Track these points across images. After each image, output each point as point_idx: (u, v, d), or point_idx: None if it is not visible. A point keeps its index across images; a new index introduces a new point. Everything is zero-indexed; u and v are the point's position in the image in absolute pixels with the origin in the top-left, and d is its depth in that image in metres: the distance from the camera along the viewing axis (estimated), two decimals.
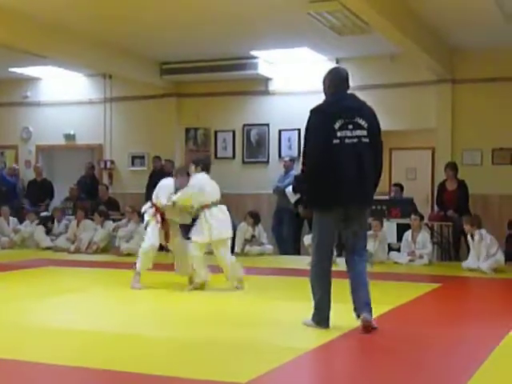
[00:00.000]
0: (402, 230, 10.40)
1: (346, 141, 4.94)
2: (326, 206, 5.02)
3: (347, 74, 5.29)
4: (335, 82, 5.21)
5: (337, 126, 4.95)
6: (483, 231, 9.09)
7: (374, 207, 10.74)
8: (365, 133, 5.00)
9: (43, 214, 12.84)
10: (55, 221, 12.39)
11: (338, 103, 5.11)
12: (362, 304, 4.99)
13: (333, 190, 4.94)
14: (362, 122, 5.02)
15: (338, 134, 4.93)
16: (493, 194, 11.16)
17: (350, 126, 4.96)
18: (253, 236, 11.21)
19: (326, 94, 5.25)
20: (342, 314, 5.58)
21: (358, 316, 5.00)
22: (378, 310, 5.83)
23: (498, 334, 4.88)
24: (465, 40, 10.86)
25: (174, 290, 7.32)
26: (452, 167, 10.73)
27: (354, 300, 5.04)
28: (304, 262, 9.74)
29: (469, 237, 9.23)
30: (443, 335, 5.02)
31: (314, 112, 5.11)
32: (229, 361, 4.17)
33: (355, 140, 4.96)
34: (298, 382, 3.74)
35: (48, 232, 12.23)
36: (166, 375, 3.79)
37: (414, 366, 4.16)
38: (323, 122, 5.00)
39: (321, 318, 5.06)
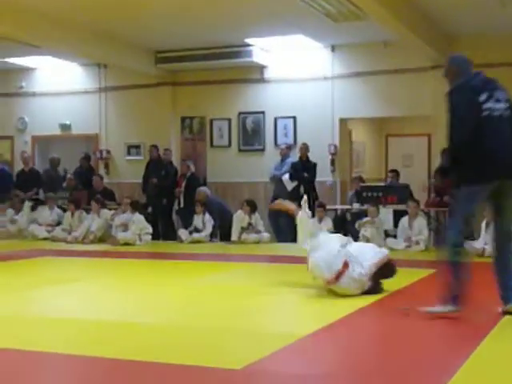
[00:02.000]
0: (398, 216, 10.42)
1: (493, 113, 4.92)
2: (482, 180, 4.91)
3: (466, 58, 5.27)
4: (462, 65, 5.18)
5: (482, 98, 4.91)
6: None
7: (370, 194, 10.82)
8: (505, 106, 4.98)
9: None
10: (47, 209, 12.41)
11: (475, 78, 5.07)
12: None
13: (481, 164, 4.88)
14: (501, 96, 5.00)
15: (485, 105, 4.91)
16: None
17: (493, 99, 4.94)
18: (249, 224, 11.22)
19: (452, 83, 5.17)
20: (337, 300, 5.61)
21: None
22: (373, 296, 5.89)
23: (491, 318, 4.90)
24: (460, 26, 10.85)
25: (173, 278, 7.34)
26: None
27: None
28: (301, 249, 9.77)
29: (484, 223, 9.21)
30: (436, 318, 5.05)
31: (455, 90, 5.04)
32: (224, 347, 4.19)
33: (499, 113, 4.94)
34: (292, 368, 3.75)
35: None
36: (160, 362, 3.80)
37: (408, 350, 4.18)
38: (467, 97, 4.93)
39: (455, 298, 4.98)
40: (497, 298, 5.05)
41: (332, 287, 5.80)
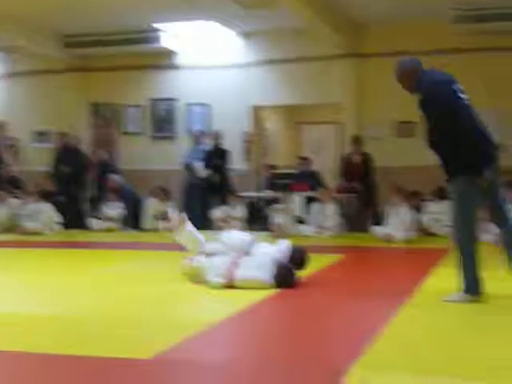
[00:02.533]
0: (309, 202, 10.58)
1: (467, 102, 4.99)
2: (473, 169, 4.91)
3: (417, 60, 5.21)
4: (416, 68, 5.13)
5: (455, 88, 4.97)
6: (408, 205, 9.41)
7: (282, 181, 10.93)
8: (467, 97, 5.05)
9: None
10: None
11: (438, 72, 5.12)
12: None
13: (484, 151, 4.90)
14: (462, 87, 5.07)
15: (460, 95, 4.97)
16: (396, 167, 11.46)
17: (460, 90, 5.01)
18: (161, 211, 11.13)
19: (409, 86, 5.11)
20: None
21: None
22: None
23: (399, 299, 5.05)
24: (369, 14, 11.06)
25: (83, 267, 7.23)
26: (357, 140, 10.98)
27: None
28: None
29: (392, 208, 9.43)
30: (346, 301, 5.18)
31: (429, 86, 4.98)
32: (135, 336, 4.15)
33: (468, 102, 5.01)
34: (202, 355, 3.76)
35: None
36: (68, 354, 3.74)
37: (316, 334, 4.26)
38: (445, 87, 4.95)
39: (477, 289, 5.01)
40: (402, 282, 5.19)
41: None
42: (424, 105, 4.96)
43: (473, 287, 5.02)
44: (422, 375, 3.34)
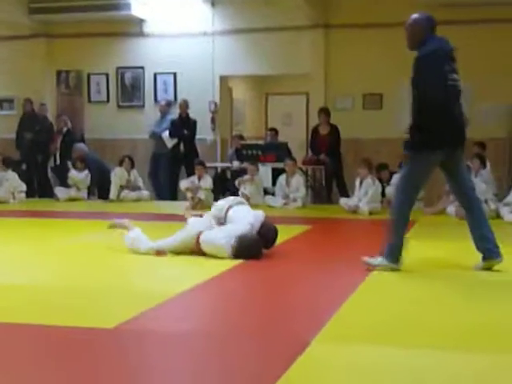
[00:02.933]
0: (276, 174, 10.58)
1: (454, 83, 5.02)
2: (440, 146, 5.02)
3: (432, 17, 5.24)
4: (428, 26, 5.15)
5: (446, 68, 4.98)
6: (373, 177, 9.46)
7: (250, 152, 10.90)
8: (458, 76, 5.08)
9: None
10: None
11: (443, 47, 5.10)
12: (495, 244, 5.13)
13: (442, 131, 4.97)
14: (455, 65, 5.09)
15: (449, 76, 4.99)
16: (363, 138, 11.50)
17: (453, 70, 5.04)
18: (128, 181, 11.08)
19: (413, 41, 5.15)
20: (212, 259, 5.66)
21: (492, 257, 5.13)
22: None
23: (360, 272, 5.08)
24: None
25: (48, 237, 7.16)
26: (324, 112, 10.96)
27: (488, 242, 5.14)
28: (181, 207, 9.78)
29: (358, 180, 9.47)
30: (310, 272, 5.21)
31: (426, 56, 5.01)
32: (98, 307, 4.14)
33: (455, 83, 5.04)
34: (163, 325, 3.76)
35: None
36: (31, 323, 3.72)
37: (280, 305, 4.29)
38: (437, 66, 4.96)
39: (398, 256, 5.11)
40: (367, 254, 5.22)
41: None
42: (415, 69, 5.03)
43: (394, 254, 5.10)
44: (382, 346, 3.38)
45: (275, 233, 6.02)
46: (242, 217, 6.07)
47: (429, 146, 5.01)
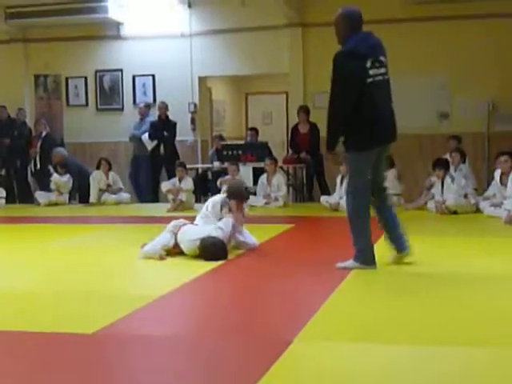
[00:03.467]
0: (257, 173, 10.59)
1: (376, 78, 4.97)
2: (368, 146, 4.99)
3: (359, 12, 5.21)
4: (353, 21, 5.13)
5: (368, 64, 4.94)
6: None
7: (230, 152, 10.90)
8: (384, 70, 5.06)
9: None
10: None
11: (365, 42, 5.05)
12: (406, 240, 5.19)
13: (372, 130, 4.95)
14: (382, 58, 5.06)
15: (370, 72, 4.93)
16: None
17: (377, 64, 4.99)
18: (108, 185, 11.03)
19: (340, 35, 5.15)
20: (192, 261, 5.66)
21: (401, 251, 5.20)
22: (233, 250, 5.97)
23: (343, 271, 5.10)
24: None
25: (29, 243, 7.12)
26: (304, 110, 10.98)
27: (396, 238, 5.19)
28: (163, 209, 9.77)
29: (339, 178, 9.47)
30: (292, 271, 5.20)
31: (344, 54, 4.99)
32: (78, 312, 4.12)
33: (381, 78, 5.00)
34: (143, 330, 3.75)
35: None
36: (9, 330, 3.69)
37: (261, 305, 4.30)
38: (357, 64, 4.92)
39: (370, 257, 5.11)
40: (349, 251, 5.24)
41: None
42: (333, 66, 5.02)
43: (366, 257, 5.10)
44: (363, 343, 3.40)
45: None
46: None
47: (362, 146, 5.00)
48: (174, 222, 5.99)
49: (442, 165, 8.98)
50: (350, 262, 5.12)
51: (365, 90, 4.92)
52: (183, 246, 5.79)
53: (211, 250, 5.62)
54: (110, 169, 11.10)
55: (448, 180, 8.84)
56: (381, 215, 5.26)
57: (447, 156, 9.74)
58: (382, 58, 5.05)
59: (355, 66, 4.92)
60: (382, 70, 5.04)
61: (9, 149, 11.70)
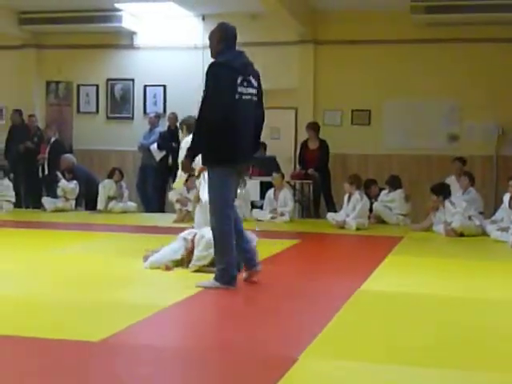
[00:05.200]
0: (264, 188, 10.60)
1: (243, 97, 4.96)
2: (228, 161, 4.97)
3: (235, 30, 5.22)
4: (228, 37, 5.14)
5: (238, 81, 4.94)
6: (361, 193, 9.49)
7: None
8: (255, 91, 5.06)
9: None
10: None
11: (237, 59, 5.07)
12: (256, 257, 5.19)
13: (234, 146, 4.93)
14: (253, 81, 5.06)
15: (239, 89, 4.93)
16: (351, 154, 11.56)
17: (245, 83, 4.99)
18: (116, 193, 11.05)
19: (213, 49, 5.15)
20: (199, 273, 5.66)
21: (251, 267, 5.19)
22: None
23: (350, 288, 5.10)
24: (327, 1, 11.06)
25: (35, 248, 7.13)
26: (313, 127, 11.01)
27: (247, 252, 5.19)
28: (169, 219, 9.78)
29: (346, 196, 9.49)
30: (296, 288, 5.21)
31: (218, 65, 4.99)
32: (85, 320, 4.13)
33: (249, 97, 5.00)
34: (149, 340, 3.76)
35: None
36: (17, 335, 3.70)
37: (266, 322, 4.29)
38: (228, 75, 4.92)
39: (231, 277, 5.03)
40: (353, 270, 5.25)
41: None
42: (205, 78, 4.97)
43: (226, 276, 5.02)
44: (369, 362, 3.39)
45: None
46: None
47: (220, 161, 4.95)
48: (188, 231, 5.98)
49: (441, 191, 9.00)
50: (210, 282, 5.04)
51: (232, 106, 4.91)
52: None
53: None
54: (122, 178, 11.12)
55: (449, 205, 8.85)
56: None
57: (450, 178, 9.82)
58: (252, 80, 5.06)
59: (227, 78, 4.91)
60: (251, 91, 5.04)
61: (19, 153, 11.74)
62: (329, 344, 3.71)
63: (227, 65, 4.96)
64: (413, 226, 9.37)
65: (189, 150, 5.05)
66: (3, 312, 4.30)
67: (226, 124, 4.88)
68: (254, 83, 5.06)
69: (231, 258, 5.03)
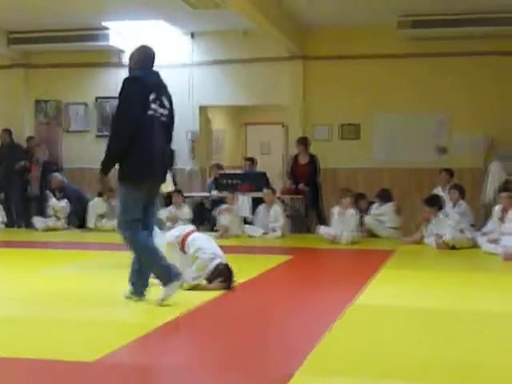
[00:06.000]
0: (255, 203, 10.61)
1: (156, 114, 5.03)
2: (138, 178, 4.99)
3: (154, 53, 5.35)
4: (145, 58, 5.26)
5: (151, 98, 5.00)
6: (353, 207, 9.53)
7: (229, 181, 10.93)
8: (166, 112, 5.14)
9: None
10: None
11: (150, 77, 5.16)
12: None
13: (145, 164, 4.96)
14: (166, 102, 5.15)
15: (152, 105, 5.00)
16: (341, 168, 11.60)
17: (158, 102, 5.06)
18: (107, 211, 11.04)
19: (132, 68, 5.24)
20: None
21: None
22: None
23: (343, 302, 5.10)
24: (316, 18, 11.14)
25: (25, 268, 7.10)
26: (303, 142, 11.04)
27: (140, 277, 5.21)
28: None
29: (336, 210, 9.51)
30: (290, 304, 5.20)
31: (132, 80, 5.06)
32: (79, 339, 4.11)
33: (159, 115, 5.07)
34: (145, 359, 3.74)
35: None
36: (8, 356, 3.67)
37: (260, 338, 4.28)
38: (142, 91, 4.97)
39: (172, 274, 5.05)
40: (347, 284, 5.25)
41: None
42: (120, 91, 5.02)
43: (165, 277, 5.02)
44: (364, 378, 3.39)
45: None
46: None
47: (132, 181, 4.98)
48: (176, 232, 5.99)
49: (435, 202, 9.04)
50: (164, 292, 5.03)
51: (144, 121, 4.93)
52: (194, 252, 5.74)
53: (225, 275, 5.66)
54: (111, 195, 11.09)
55: (442, 216, 8.88)
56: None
57: (437, 189, 9.87)
58: (164, 100, 5.14)
59: (140, 93, 4.95)
60: (163, 111, 5.11)
61: (8, 173, 11.71)
62: (324, 359, 3.71)
63: (140, 81, 5.02)
64: (404, 239, 9.39)
65: (101, 163, 5.03)
66: None
67: (137, 139, 4.90)
68: (167, 104, 5.15)
69: (161, 261, 5.05)
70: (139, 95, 4.94)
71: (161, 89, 5.14)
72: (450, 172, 10.18)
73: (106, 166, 5.00)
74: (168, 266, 5.06)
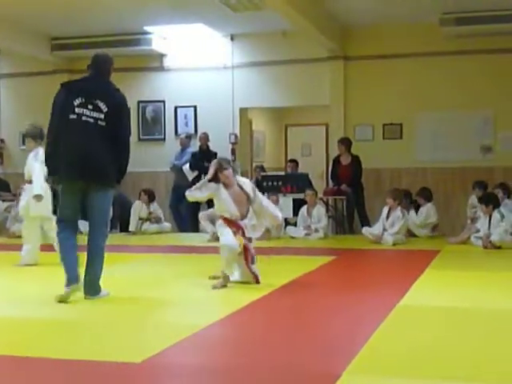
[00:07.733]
0: (298, 204, 10.58)
1: (83, 118, 5.26)
2: (62, 177, 5.35)
3: (105, 59, 5.69)
4: (91, 64, 5.59)
5: (76, 102, 5.26)
6: (403, 209, 9.44)
7: (270, 183, 10.92)
8: (102, 116, 5.29)
9: None
10: None
11: (84, 82, 5.52)
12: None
13: (60, 163, 5.28)
14: (102, 106, 5.30)
15: (77, 110, 5.25)
16: (384, 168, 11.51)
17: (90, 106, 5.27)
18: (150, 213, 11.12)
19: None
20: (238, 289, 5.65)
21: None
22: (276, 282, 5.96)
23: (390, 302, 5.04)
24: (355, 17, 11.08)
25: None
26: (345, 142, 10.98)
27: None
28: (203, 238, 9.78)
29: (386, 209, 9.43)
30: (335, 305, 5.17)
31: (60, 86, 5.43)
32: (126, 340, 4.13)
33: (92, 120, 5.27)
34: (192, 359, 3.74)
35: None
36: (57, 357, 3.71)
37: (308, 338, 4.25)
38: (63, 97, 5.32)
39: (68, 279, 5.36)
40: (393, 285, 5.19)
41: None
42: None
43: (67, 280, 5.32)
44: (413, 378, 3.34)
45: None
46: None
47: (58, 177, 5.39)
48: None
49: (490, 200, 8.83)
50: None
51: (66, 125, 5.26)
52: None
53: None
54: (151, 199, 11.19)
55: (497, 215, 8.68)
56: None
57: (471, 197, 9.76)
58: (100, 104, 5.30)
59: (62, 99, 5.32)
60: (96, 115, 5.27)
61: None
62: (372, 359, 3.66)
63: (66, 86, 5.42)
64: (450, 240, 9.26)
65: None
66: (47, 334, 4.32)
67: (58, 142, 5.28)
68: (103, 108, 5.30)
69: (68, 263, 5.42)
70: (60, 101, 5.32)
71: (96, 93, 5.35)
72: (484, 185, 9.85)
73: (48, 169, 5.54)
74: (70, 270, 5.37)
